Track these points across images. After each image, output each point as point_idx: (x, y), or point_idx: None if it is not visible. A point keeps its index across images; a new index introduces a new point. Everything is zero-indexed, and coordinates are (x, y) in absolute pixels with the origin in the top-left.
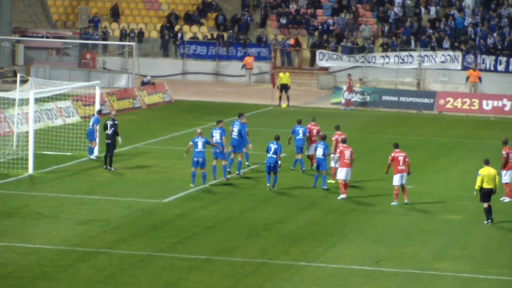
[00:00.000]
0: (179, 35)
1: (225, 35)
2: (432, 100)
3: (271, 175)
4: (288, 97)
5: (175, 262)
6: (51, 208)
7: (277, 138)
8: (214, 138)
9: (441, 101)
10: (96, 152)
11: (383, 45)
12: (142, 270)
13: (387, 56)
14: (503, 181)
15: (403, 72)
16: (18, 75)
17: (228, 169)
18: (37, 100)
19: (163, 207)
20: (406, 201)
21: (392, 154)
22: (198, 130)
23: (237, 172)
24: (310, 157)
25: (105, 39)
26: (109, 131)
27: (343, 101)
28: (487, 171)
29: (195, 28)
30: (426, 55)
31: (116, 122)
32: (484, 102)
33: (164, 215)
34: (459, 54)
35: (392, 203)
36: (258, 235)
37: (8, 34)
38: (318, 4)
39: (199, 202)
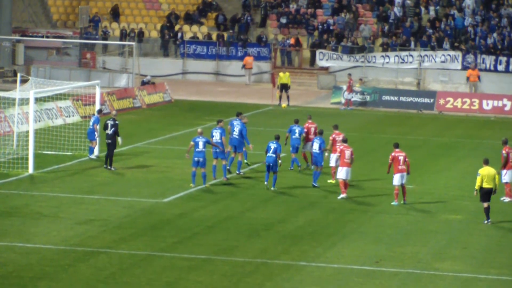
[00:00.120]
0: (179, 34)
1: (225, 35)
2: (432, 100)
3: (271, 174)
4: (288, 97)
5: (175, 262)
6: (51, 208)
7: (277, 138)
8: (214, 138)
9: (441, 101)
10: (96, 151)
11: (383, 45)
12: (142, 269)
13: (387, 56)
14: (503, 181)
15: (403, 72)
16: (18, 74)
17: (228, 167)
18: (37, 100)
19: (163, 207)
20: (405, 201)
21: (393, 154)
22: (199, 130)
23: (237, 172)
24: (305, 155)
25: (105, 38)
26: (110, 131)
27: (343, 101)
28: (486, 171)
29: (195, 28)
30: (426, 55)
31: (116, 122)
32: (484, 102)
33: (164, 215)
34: (459, 54)
35: (392, 203)
36: (258, 235)
37: (8, 33)
38: (318, 3)
39: (199, 201)
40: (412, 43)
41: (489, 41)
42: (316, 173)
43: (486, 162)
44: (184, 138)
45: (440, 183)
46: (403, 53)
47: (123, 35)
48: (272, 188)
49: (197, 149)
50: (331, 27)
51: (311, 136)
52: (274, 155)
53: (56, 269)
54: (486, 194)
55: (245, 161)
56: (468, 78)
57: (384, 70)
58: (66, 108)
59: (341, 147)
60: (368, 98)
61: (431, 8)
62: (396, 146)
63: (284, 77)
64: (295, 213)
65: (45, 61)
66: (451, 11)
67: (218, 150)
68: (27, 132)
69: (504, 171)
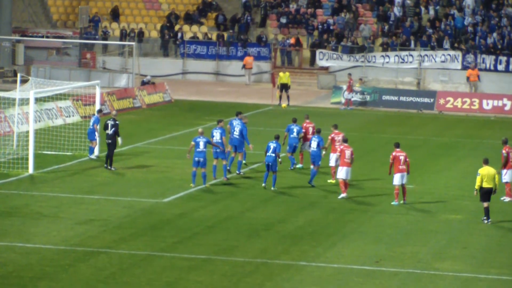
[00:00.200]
0: (179, 34)
1: (225, 34)
2: (432, 100)
3: (270, 174)
4: (288, 97)
5: (175, 262)
6: (51, 208)
7: (276, 138)
8: (214, 138)
9: (441, 101)
10: (96, 151)
11: (383, 45)
12: (142, 269)
13: (387, 56)
14: (503, 181)
15: (403, 72)
16: (18, 74)
17: (228, 168)
18: (37, 100)
19: (163, 207)
20: (404, 201)
21: (394, 154)
22: (200, 130)
23: (237, 172)
24: (303, 156)
25: (105, 38)
26: (110, 131)
27: (343, 100)
28: (486, 170)
29: (195, 27)
30: (426, 55)
31: (117, 122)
32: (484, 101)
33: (164, 215)
34: (459, 53)
35: (392, 203)
36: (258, 234)
37: (8, 34)
38: (318, 3)
39: (199, 201)
40: (412, 43)
41: (489, 40)
42: (313, 172)
43: (486, 162)
44: (184, 138)
45: (440, 183)
46: (403, 53)
47: (123, 35)
48: (272, 188)
49: (198, 149)
50: (331, 27)
51: (309, 136)
52: (273, 155)
53: (56, 269)
54: (486, 194)
55: (244, 161)
56: (468, 78)
57: (384, 70)
58: (66, 108)
59: (341, 147)
60: (368, 98)
61: (431, 8)
62: (397, 145)
63: (284, 77)
64: (295, 213)
65: (45, 61)
66: (451, 11)
67: (218, 150)
68: (27, 132)
69: (504, 171)
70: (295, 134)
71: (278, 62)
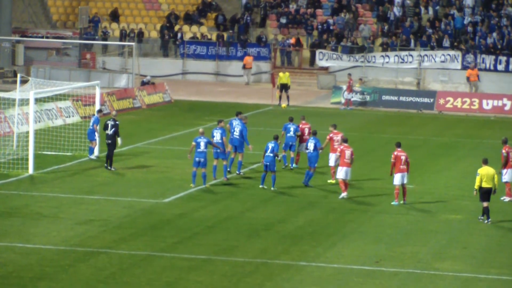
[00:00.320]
0: (179, 35)
1: (225, 35)
2: (432, 100)
3: (268, 174)
4: (288, 97)
5: (175, 262)
6: (51, 208)
7: (275, 138)
8: (215, 138)
9: (441, 101)
10: (96, 152)
11: (383, 45)
12: (142, 270)
13: (387, 56)
14: (503, 180)
15: (403, 72)
16: (18, 75)
17: (228, 169)
18: (37, 100)
19: (163, 207)
20: (404, 201)
21: (395, 153)
22: (200, 130)
23: (237, 172)
24: (298, 155)
25: (105, 39)
26: (110, 131)
27: (343, 100)
28: (486, 170)
29: (195, 28)
30: (426, 55)
31: (117, 122)
32: (484, 101)
33: (164, 215)
34: (459, 53)
35: (392, 203)
36: (258, 235)
37: (8, 34)
38: (318, 3)
39: (200, 202)
40: (412, 43)
41: (489, 40)
42: (309, 173)
43: (485, 162)
44: (184, 138)
45: (440, 183)
46: (403, 53)
47: (123, 36)
48: (272, 188)
49: (199, 150)
50: (331, 27)
51: (306, 137)
52: (271, 155)
53: (56, 269)
54: (485, 194)
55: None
56: (468, 78)
57: (384, 70)
58: (66, 108)
59: (341, 147)
60: (368, 98)
61: (431, 8)
62: (398, 145)
63: (284, 77)
64: (295, 213)
65: (45, 61)
66: (450, 11)
67: (218, 151)
68: (27, 132)
69: (504, 171)
70: (292, 133)
71: (278, 62)
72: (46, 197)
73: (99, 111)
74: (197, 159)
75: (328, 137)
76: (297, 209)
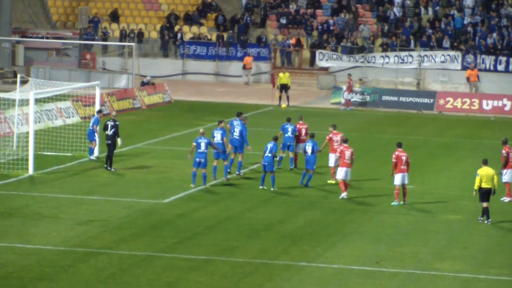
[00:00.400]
0: (179, 35)
1: (225, 35)
2: (432, 100)
3: (267, 175)
4: (288, 97)
5: (175, 262)
6: (51, 209)
7: (275, 139)
8: (215, 139)
9: (441, 101)
10: (96, 152)
11: (383, 45)
12: (142, 270)
13: (387, 56)
14: (503, 180)
15: (403, 72)
16: (18, 75)
17: (228, 170)
18: (37, 101)
19: (163, 207)
20: (404, 202)
21: (396, 153)
22: (201, 130)
23: (237, 173)
24: (296, 155)
25: (105, 39)
26: (110, 132)
27: (343, 101)
28: (485, 171)
29: (195, 28)
30: (426, 55)
31: (117, 122)
32: (484, 102)
33: (164, 215)
34: (458, 54)
35: (392, 203)
36: (258, 235)
37: (8, 34)
38: (318, 4)
39: (199, 202)
40: (412, 43)
41: (489, 41)
42: (308, 176)
43: (485, 162)
44: (184, 138)
45: (440, 183)
46: (403, 53)
47: (123, 36)
48: (271, 189)
49: (199, 150)
50: (331, 28)
51: (303, 137)
52: (270, 155)
53: (56, 269)
54: (485, 194)
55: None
56: (468, 78)
57: (384, 70)
58: (66, 109)
59: (341, 147)
60: (368, 98)
61: (431, 8)
62: (399, 145)
63: (284, 77)
64: (295, 213)
65: (45, 62)
66: (450, 11)
67: (219, 152)
68: (27, 133)
69: (504, 171)
70: (289, 133)
71: (278, 63)
72: (46, 198)
73: (99, 111)
74: (197, 159)
75: (327, 137)
76: (297, 209)
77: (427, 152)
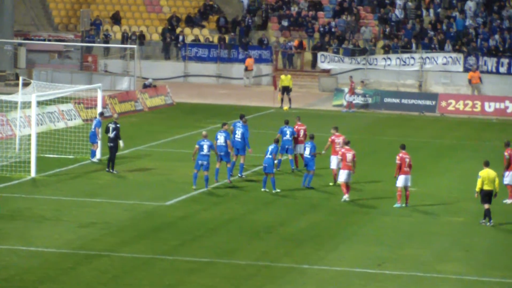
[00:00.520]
0: (181, 37)
1: (227, 37)
2: (434, 102)
3: (268, 177)
4: (290, 99)
5: (177, 265)
6: (53, 211)
7: (276, 141)
8: (218, 141)
9: (443, 103)
10: (98, 155)
11: (385, 47)
12: (144, 272)
13: (389, 58)
14: (505, 182)
15: (405, 74)
16: (20, 78)
17: (230, 173)
18: (39, 103)
19: (165, 210)
20: (407, 204)
21: (400, 155)
22: (204, 133)
23: (239, 175)
24: (296, 157)
25: (106, 42)
26: (111, 134)
27: (344, 103)
28: (487, 173)
29: (196, 30)
30: (428, 57)
31: (118, 125)
32: (486, 104)
33: (166, 218)
34: (460, 56)
35: (394, 205)
36: (260, 237)
37: (10, 37)
38: (319, 6)
39: (201, 204)
40: (414, 45)
41: (491, 43)
42: (309, 176)
43: (487, 164)
44: (186, 140)
45: (442, 185)
46: (405, 55)
47: (125, 38)
48: (273, 191)
49: (202, 153)
50: (333, 30)
51: (301, 138)
52: (270, 157)
53: (58, 272)
54: (486, 196)
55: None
56: (470, 80)
57: (385, 72)
58: (68, 111)
59: (343, 150)
60: (369, 100)
61: (432, 10)
62: (403, 147)
63: (285, 79)
64: (297, 215)
65: (47, 64)
66: (452, 13)
67: (222, 153)
68: (29, 135)
69: (506, 173)
70: (288, 136)
71: (280, 65)
72: (48, 200)
73: (101, 114)
74: (200, 161)
75: (330, 139)
76: (299, 211)
77: (429, 154)
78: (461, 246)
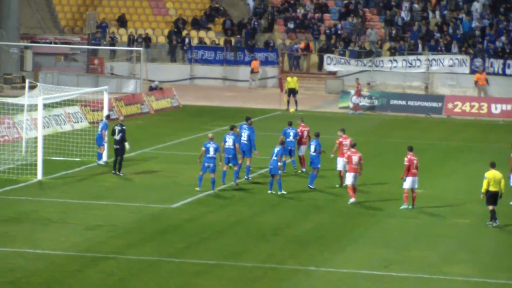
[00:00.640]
0: (187, 40)
1: (233, 40)
2: (440, 104)
3: (274, 179)
4: (296, 102)
5: (184, 267)
6: (59, 214)
7: (282, 143)
8: (227, 144)
9: (450, 105)
10: (104, 157)
11: (391, 49)
12: (151, 275)
13: (395, 60)
14: (511, 184)
15: (411, 76)
16: (27, 81)
17: (237, 175)
18: (46, 106)
19: (172, 212)
20: (413, 206)
21: (408, 157)
22: (210, 135)
23: (245, 177)
24: (301, 158)
25: (113, 44)
26: (117, 137)
27: (351, 105)
28: (493, 174)
29: (202, 33)
30: (434, 59)
31: (124, 127)
32: (493, 105)
33: (173, 220)
34: (467, 57)
35: (401, 207)
36: (266, 239)
37: (16, 40)
38: (326, 8)
39: (208, 206)
40: (420, 47)
41: (497, 44)
42: (313, 175)
43: (493, 166)
44: (192, 143)
45: (449, 187)
46: (411, 57)
47: (131, 41)
48: (279, 192)
49: (208, 155)
50: (339, 32)
51: (304, 140)
52: (276, 158)
53: (65, 274)
54: (492, 197)
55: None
56: (476, 82)
57: (392, 74)
58: (74, 114)
59: (349, 152)
60: (376, 102)
61: (439, 12)
62: (411, 149)
63: (291, 81)
64: (303, 217)
65: (53, 67)
66: (458, 15)
67: (230, 156)
68: (36, 138)
69: None
70: (291, 137)
71: (286, 67)
72: (55, 203)
73: (107, 116)
74: (206, 164)
75: (337, 141)
76: (305, 213)
77: (435, 156)
78: (467, 248)
